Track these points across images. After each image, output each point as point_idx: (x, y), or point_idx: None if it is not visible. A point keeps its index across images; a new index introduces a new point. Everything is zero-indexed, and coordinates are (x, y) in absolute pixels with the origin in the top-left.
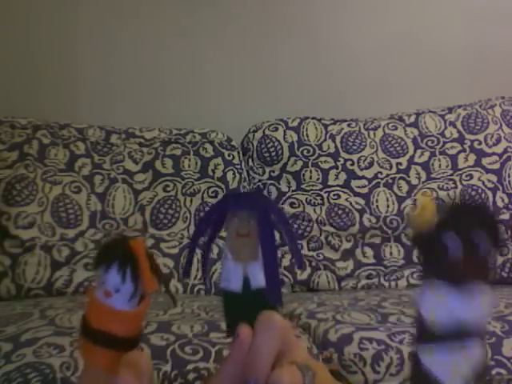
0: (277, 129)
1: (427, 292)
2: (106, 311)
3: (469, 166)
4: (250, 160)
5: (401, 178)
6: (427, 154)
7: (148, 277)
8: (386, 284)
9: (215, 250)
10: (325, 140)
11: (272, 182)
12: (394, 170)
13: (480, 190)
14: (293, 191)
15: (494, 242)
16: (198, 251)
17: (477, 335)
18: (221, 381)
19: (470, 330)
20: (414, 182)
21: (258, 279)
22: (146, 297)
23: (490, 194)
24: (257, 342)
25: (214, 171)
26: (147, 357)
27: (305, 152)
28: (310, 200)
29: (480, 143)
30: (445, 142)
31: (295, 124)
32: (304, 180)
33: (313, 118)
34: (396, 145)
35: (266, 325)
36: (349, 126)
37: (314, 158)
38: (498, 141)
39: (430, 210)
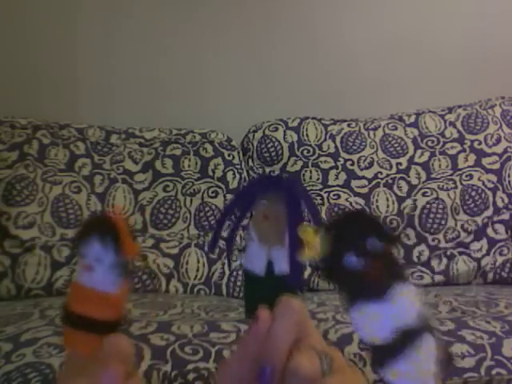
0: (277, 129)
1: (357, 316)
2: (85, 294)
3: (469, 166)
4: (250, 160)
5: (401, 178)
6: (427, 154)
7: (129, 241)
8: None
9: (215, 250)
10: (325, 140)
11: None
12: (394, 169)
13: (480, 190)
14: None
15: (388, 240)
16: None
17: (424, 331)
18: (236, 363)
19: (414, 330)
20: (414, 182)
21: (282, 264)
22: (126, 276)
23: (490, 193)
24: (275, 326)
25: (214, 171)
26: (128, 340)
27: (305, 152)
28: None
29: (480, 143)
30: (445, 142)
31: (295, 124)
32: (304, 180)
33: (313, 118)
34: (396, 145)
35: (285, 309)
36: (349, 125)
37: (313, 158)
38: (498, 141)
39: (315, 243)
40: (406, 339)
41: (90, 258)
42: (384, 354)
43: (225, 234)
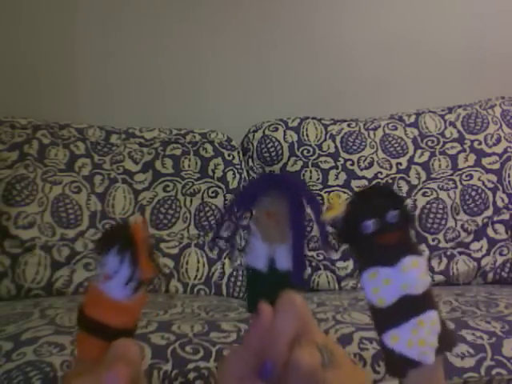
0: (277, 129)
1: (368, 281)
2: (102, 300)
3: (469, 166)
4: (250, 160)
5: (401, 178)
6: (427, 154)
7: (145, 261)
8: None
9: (214, 250)
10: (325, 140)
11: None
12: (394, 169)
13: (480, 190)
14: None
15: (406, 216)
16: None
17: (429, 305)
18: (238, 357)
19: (420, 301)
20: (414, 182)
21: (284, 262)
22: (142, 289)
23: (490, 193)
24: (277, 321)
25: (213, 171)
26: (136, 346)
27: (305, 152)
28: None
29: (480, 143)
30: (445, 142)
31: (295, 124)
32: (304, 180)
33: (313, 118)
34: (396, 145)
35: (286, 305)
36: (349, 125)
37: (314, 158)
38: (498, 141)
39: (340, 206)
40: (411, 307)
41: (109, 268)
42: (388, 318)
43: (226, 232)
